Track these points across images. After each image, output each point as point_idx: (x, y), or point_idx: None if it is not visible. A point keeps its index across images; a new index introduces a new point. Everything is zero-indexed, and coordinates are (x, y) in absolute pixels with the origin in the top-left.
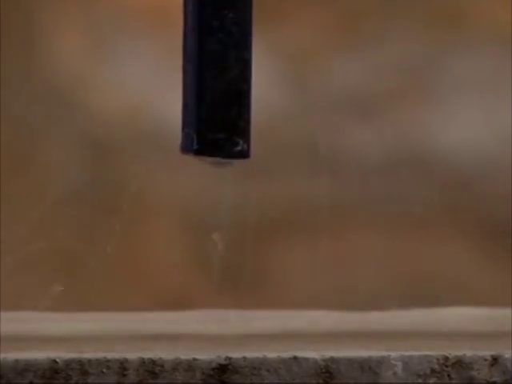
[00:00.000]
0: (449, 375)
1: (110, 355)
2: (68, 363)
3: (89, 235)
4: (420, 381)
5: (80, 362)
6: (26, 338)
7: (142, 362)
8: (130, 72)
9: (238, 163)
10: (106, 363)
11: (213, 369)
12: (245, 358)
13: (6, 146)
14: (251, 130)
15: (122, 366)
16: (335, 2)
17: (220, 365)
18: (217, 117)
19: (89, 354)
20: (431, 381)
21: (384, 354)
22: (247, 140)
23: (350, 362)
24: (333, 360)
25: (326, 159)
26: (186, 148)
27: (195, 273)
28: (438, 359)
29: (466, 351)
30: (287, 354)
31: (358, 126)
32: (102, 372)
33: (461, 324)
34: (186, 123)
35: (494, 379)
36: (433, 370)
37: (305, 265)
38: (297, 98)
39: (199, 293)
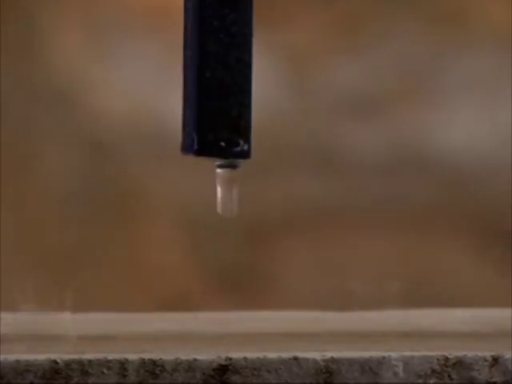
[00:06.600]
0: (449, 376)
1: (111, 356)
2: (68, 364)
3: (89, 235)
4: (420, 381)
5: (80, 363)
6: (27, 338)
7: (143, 362)
8: (131, 72)
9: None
10: (106, 364)
11: (213, 369)
12: (245, 359)
13: (6, 146)
14: (252, 131)
15: (123, 366)
16: (335, 2)
17: (220, 365)
18: (217, 117)
19: (89, 354)
20: (432, 381)
21: (384, 354)
22: (248, 140)
23: (351, 362)
24: (333, 360)
25: (326, 159)
26: (186, 148)
27: (195, 273)
28: (438, 359)
29: (467, 351)
30: (287, 355)
31: (358, 126)
32: (103, 372)
33: (461, 324)
34: (186, 123)
35: (494, 380)
36: (433, 371)
37: (305, 265)
38: (297, 98)
39: (199, 293)
